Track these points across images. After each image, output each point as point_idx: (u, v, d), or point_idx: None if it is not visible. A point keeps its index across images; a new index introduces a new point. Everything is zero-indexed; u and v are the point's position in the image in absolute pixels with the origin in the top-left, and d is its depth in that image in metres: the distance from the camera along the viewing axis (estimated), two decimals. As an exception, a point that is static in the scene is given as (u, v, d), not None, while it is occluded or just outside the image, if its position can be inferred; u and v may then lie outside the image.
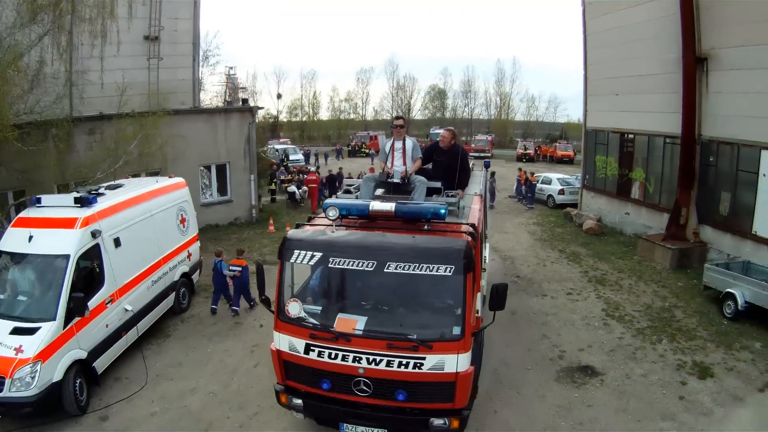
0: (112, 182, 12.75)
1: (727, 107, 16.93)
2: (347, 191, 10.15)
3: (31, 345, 8.53)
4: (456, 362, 7.31)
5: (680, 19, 17.41)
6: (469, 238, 7.79)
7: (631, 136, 21.88)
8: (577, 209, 24.92)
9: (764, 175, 15.46)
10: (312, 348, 7.73)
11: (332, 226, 8.19)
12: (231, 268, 12.93)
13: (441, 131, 36.61)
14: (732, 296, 13.04)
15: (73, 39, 16.95)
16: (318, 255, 7.76)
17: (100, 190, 11.31)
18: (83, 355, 9.36)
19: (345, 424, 7.91)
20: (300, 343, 7.80)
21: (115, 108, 17.85)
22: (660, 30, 19.00)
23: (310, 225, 8.59)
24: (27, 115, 14.53)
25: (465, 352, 7.38)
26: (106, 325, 10.12)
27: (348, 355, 7.52)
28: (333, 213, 8.11)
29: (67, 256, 9.35)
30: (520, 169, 30.59)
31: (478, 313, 8.40)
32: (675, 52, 17.94)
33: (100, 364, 9.93)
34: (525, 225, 23.56)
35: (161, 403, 9.54)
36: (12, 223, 10.47)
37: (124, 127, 16.97)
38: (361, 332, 7.56)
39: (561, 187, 27.76)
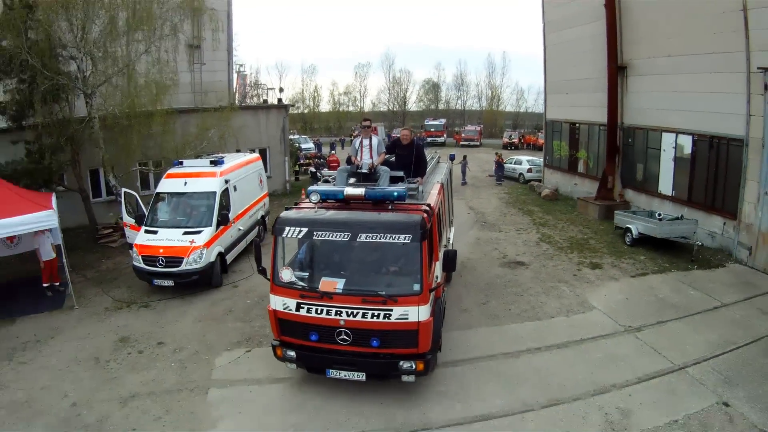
0: (219, 155, 18.82)
1: (639, 103, 22.34)
2: (326, 180, 11.45)
3: (200, 239, 14.85)
4: (417, 313, 8.67)
5: (606, 38, 22.74)
6: (425, 215, 9.15)
7: (577, 125, 27.69)
8: (541, 183, 31.07)
9: (664, 150, 20.89)
10: (302, 306, 9.06)
11: (315, 208, 9.68)
12: None
13: (434, 122, 43.11)
14: (630, 230, 18.70)
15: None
16: (305, 230, 9.16)
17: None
18: (222, 249, 15.72)
19: (330, 370, 9.26)
20: (292, 303, 9.13)
21: (181, 104, 23.43)
22: (595, 44, 23.99)
23: (297, 208, 10.00)
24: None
25: (424, 305, 8.73)
26: (231, 236, 16.50)
27: (331, 310, 8.87)
28: (315, 197, 9.62)
29: (214, 192, 15.73)
30: (496, 153, 36.98)
31: (437, 278, 9.94)
32: (605, 61, 23.06)
33: (229, 257, 16.33)
34: (497, 194, 30.01)
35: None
36: (165, 175, 16.62)
37: (206, 117, 22.82)
38: (341, 291, 8.89)
39: (529, 167, 34.21)
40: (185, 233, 15.00)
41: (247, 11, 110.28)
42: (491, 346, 11.47)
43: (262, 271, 9.63)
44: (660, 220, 18.15)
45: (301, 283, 9.29)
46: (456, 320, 12.63)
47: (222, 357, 11.46)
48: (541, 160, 33.55)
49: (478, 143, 61.30)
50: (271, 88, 46.36)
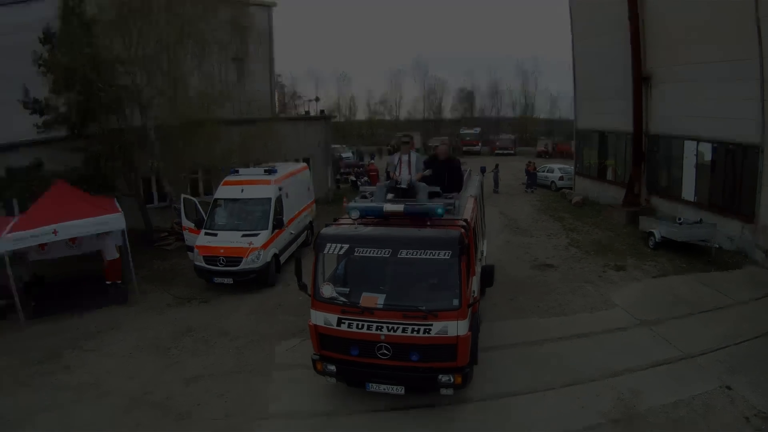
0: (272, 164, 20.47)
1: (663, 111, 22.84)
2: (363, 196, 11.44)
3: (257, 240, 16.43)
4: (456, 327, 8.70)
5: (630, 47, 23.42)
6: (463, 230, 9.25)
7: (606, 133, 28.45)
8: (572, 190, 32.06)
9: (686, 157, 21.36)
10: (343, 321, 9.10)
11: (355, 224, 9.75)
12: None
13: (470, 131, 44.31)
14: (653, 234, 19.65)
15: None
16: (346, 246, 9.22)
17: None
18: (276, 251, 17.33)
19: (370, 384, 9.26)
20: (333, 318, 9.17)
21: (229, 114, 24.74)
22: (621, 54, 24.14)
23: (337, 224, 10.05)
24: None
25: (463, 319, 8.75)
26: (284, 239, 18.11)
27: (372, 325, 8.88)
28: (355, 213, 9.69)
29: (269, 198, 17.34)
30: (528, 162, 38.09)
31: (474, 293, 9.92)
32: (631, 71, 23.65)
33: (282, 258, 17.89)
34: (529, 201, 31.12)
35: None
36: (222, 183, 18.22)
37: (254, 128, 24.34)
38: (381, 306, 8.94)
39: (561, 175, 35.30)
40: (244, 236, 16.59)
41: (280, 21, 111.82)
42: (519, 336, 12.80)
43: (303, 287, 9.78)
44: (680, 224, 19.08)
45: (342, 298, 9.36)
46: (488, 314, 13.79)
47: (278, 345, 12.91)
48: (573, 168, 34.34)
49: (512, 152, 62.26)
50: (310, 100, 48.36)
